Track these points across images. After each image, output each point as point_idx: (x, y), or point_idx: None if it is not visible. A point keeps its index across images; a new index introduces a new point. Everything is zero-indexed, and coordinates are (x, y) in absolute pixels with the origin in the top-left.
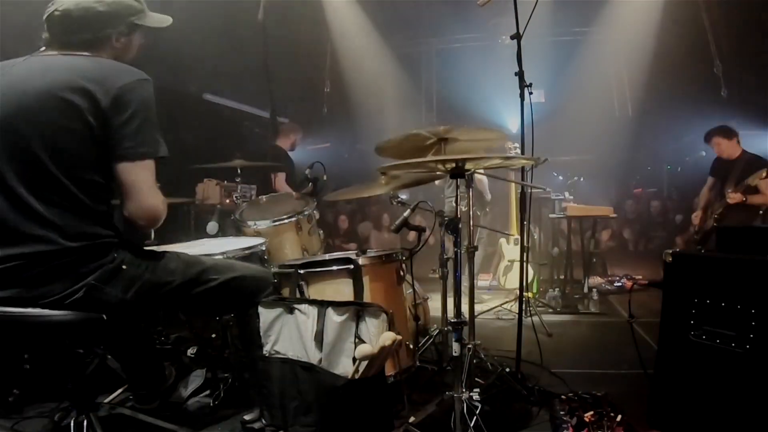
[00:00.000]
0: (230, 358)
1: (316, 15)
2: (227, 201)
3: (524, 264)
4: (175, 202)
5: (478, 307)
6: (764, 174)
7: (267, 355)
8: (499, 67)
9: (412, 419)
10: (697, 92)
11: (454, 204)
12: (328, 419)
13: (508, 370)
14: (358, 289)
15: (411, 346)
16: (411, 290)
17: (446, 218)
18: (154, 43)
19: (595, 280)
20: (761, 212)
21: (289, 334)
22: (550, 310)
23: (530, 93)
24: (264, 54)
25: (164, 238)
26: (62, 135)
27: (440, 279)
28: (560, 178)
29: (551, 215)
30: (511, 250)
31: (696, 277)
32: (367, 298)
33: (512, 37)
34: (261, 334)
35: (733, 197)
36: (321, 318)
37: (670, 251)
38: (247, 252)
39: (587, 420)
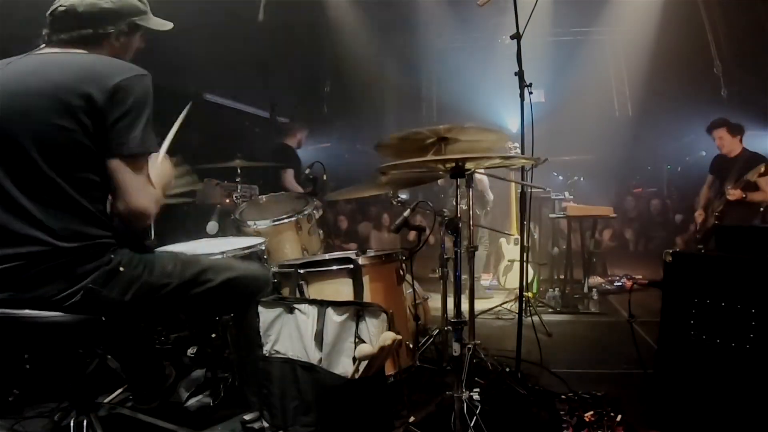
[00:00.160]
0: (230, 358)
1: (316, 15)
2: (227, 201)
3: (524, 264)
4: (175, 202)
5: (478, 307)
6: (762, 169)
7: (267, 355)
8: (499, 67)
9: (412, 419)
10: (697, 92)
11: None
12: (328, 419)
13: (508, 370)
14: (358, 289)
15: (411, 346)
16: (411, 290)
17: (446, 218)
18: (154, 43)
19: (595, 280)
20: (762, 209)
21: (289, 334)
22: (550, 310)
23: (530, 93)
24: (264, 54)
25: (164, 238)
26: (56, 134)
27: (440, 279)
28: (560, 178)
29: (551, 215)
30: (511, 249)
31: (696, 277)
32: (367, 297)
33: (512, 37)
34: (261, 333)
35: (733, 194)
36: (321, 318)
37: (670, 251)
38: (246, 252)
39: (587, 420)
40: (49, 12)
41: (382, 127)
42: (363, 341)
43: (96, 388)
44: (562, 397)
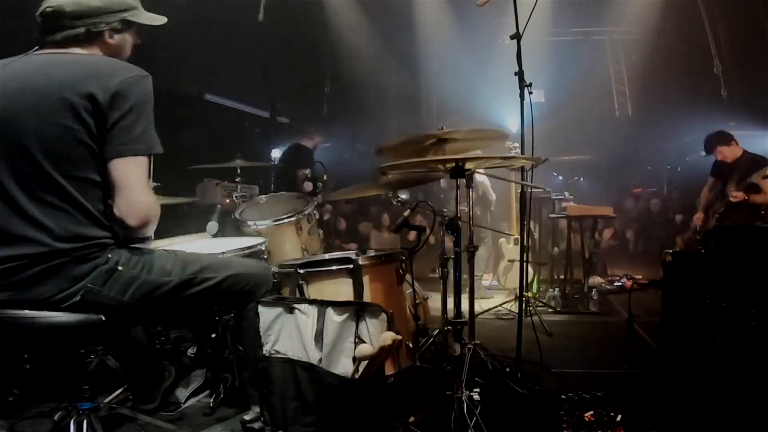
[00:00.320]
0: (230, 358)
1: (316, 15)
2: (227, 201)
3: (524, 264)
4: (175, 202)
5: (478, 307)
6: (767, 171)
7: (267, 354)
8: (499, 67)
9: (412, 419)
10: (697, 92)
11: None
12: (328, 419)
13: (508, 370)
14: (358, 288)
15: (411, 346)
16: (411, 290)
17: (446, 218)
18: (155, 43)
19: (595, 280)
20: (763, 212)
21: (289, 334)
22: (550, 310)
23: (530, 93)
24: (264, 54)
25: (164, 238)
26: (59, 134)
27: (440, 279)
28: (560, 178)
29: (551, 215)
30: (511, 249)
31: (696, 277)
32: (367, 297)
33: (512, 37)
34: (261, 333)
35: (736, 196)
36: (321, 318)
37: (670, 251)
38: (246, 252)
39: (587, 420)
40: (38, 13)
41: (382, 127)
42: (363, 341)
43: (96, 388)
44: (562, 397)
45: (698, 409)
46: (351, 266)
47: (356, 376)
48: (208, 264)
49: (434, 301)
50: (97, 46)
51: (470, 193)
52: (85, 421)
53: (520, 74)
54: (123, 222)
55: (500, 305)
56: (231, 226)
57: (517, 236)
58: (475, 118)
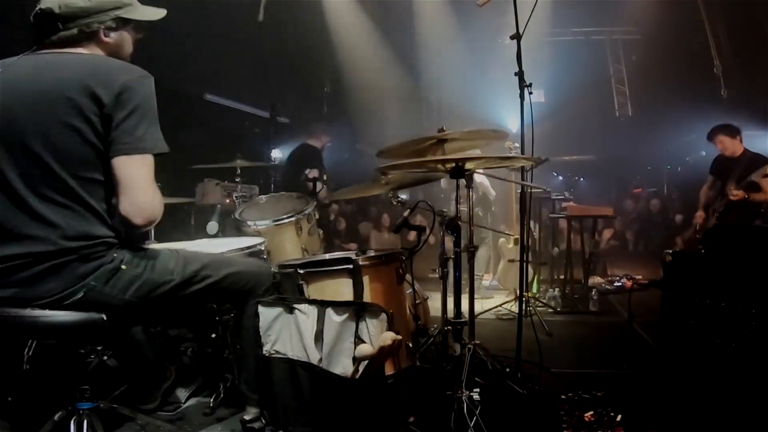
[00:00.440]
0: (230, 358)
1: (316, 15)
2: (227, 201)
3: (524, 264)
4: (175, 202)
5: (478, 307)
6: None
7: (267, 354)
8: (499, 67)
9: (412, 419)
10: (697, 92)
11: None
12: (327, 419)
13: (508, 370)
14: (358, 289)
15: (411, 346)
16: (411, 290)
17: (446, 218)
18: (155, 43)
19: (595, 280)
20: (763, 210)
21: (289, 334)
22: (550, 310)
23: (530, 93)
24: (264, 54)
25: (164, 238)
26: (65, 133)
27: (440, 279)
28: (560, 178)
29: (551, 215)
30: (511, 249)
31: (696, 277)
32: (367, 298)
33: (512, 37)
34: (261, 333)
35: (736, 194)
36: (321, 318)
37: (670, 251)
38: (246, 252)
39: (587, 420)
40: (32, 15)
41: (382, 127)
42: (363, 341)
43: (96, 388)
44: (562, 397)
45: (698, 409)
46: (351, 266)
47: (356, 376)
48: (209, 262)
49: (434, 301)
50: (96, 46)
51: (470, 193)
52: (85, 421)
53: (520, 74)
54: (128, 221)
55: (500, 305)
56: (231, 226)
57: (518, 236)
58: (475, 118)
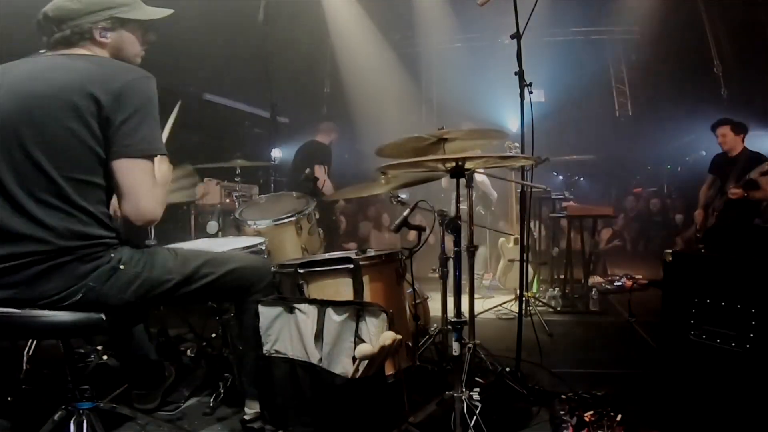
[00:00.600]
0: (230, 358)
1: (316, 15)
2: (227, 201)
3: (524, 264)
4: (175, 202)
5: (478, 307)
6: (766, 168)
7: (267, 354)
8: (499, 67)
9: (412, 419)
10: (697, 92)
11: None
12: (327, 419)
13: (508, 370)
14: (358, 288)
15: (411, 346)
16: (411, 290)
17: (446, 217)
18: (154, 42)
19: (595, 279)
20: (764, 205)
21: (289, 334)
22: (550, 310)
23: (530, 93)
24: (264, 54)
25: (164, 238)
26: (63, 137)
27: (440, 278)
28: (560, 177)
29: (551, 215)
30: (511, 249)
31: (696, 277)
32: (366, 297)
33: (512, 37)
34: (261, 333)
35: (735, 192)
36: (321, 317)
37: (670, 251)
38: (247, 251)
39: (587, 420)
40: (35, 22)
41: (382, 127)
42: (363, 341)
43: (96, 388)
44: (562, 397)
45: (698, 409)
46: (351, 266)
47: (356, 376)
48: (208, 260)
49: (434, 301)
50: (95, 47)
51: (470, 193)
52: (85, 421)
53: (520, 74)
54: (128, 222)
55: (500, 305)
56: (231, 225)
57: (518, 236)
58: (475, 118)
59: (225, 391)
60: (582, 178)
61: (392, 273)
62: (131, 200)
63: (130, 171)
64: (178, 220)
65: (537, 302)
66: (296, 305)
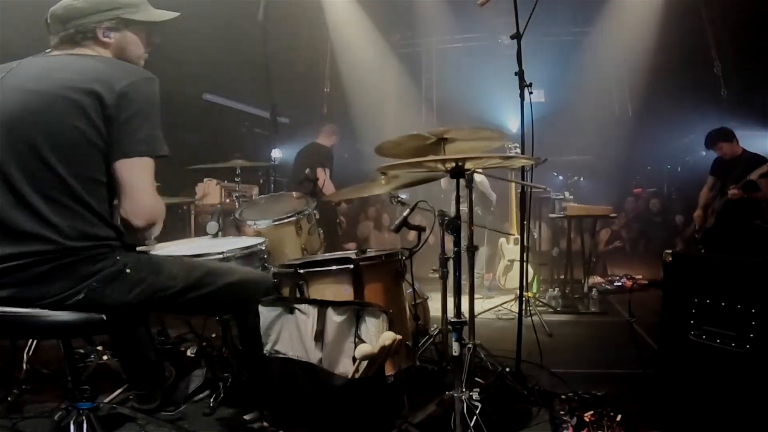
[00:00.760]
0: (230, 358)
1: (316, 15)
2: (227, 201)
3: (524, 264)
4: (175, 202)
5: (478, 307)
6: (765, 169)
7: (267, 354)
8: (499, 67)
9: (412, 419)
10: (697, 92)
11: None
12: (327, 419)
13: (508, 370)
14: (358, 289)
15: (411, 346)
16: (411, 290)
17: (446, 218)
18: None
19: (595, 280)
20: (762, 208)
21: (289, 334)
22: (550, 310)
23: (530, 93)
24: (264, 54)
25: (164, 238)
26: (68, 135)
27: (440, 279)
28: (560, 178)
29: (551, 215)
30: (511, 249)
31: (696, 277)
32: (366, 297)
33: (512, 37)
34: (261, 333)
35: (734, 193)
36: (321, 318)
37: (670, 251)
38: (246, 251)
39: (587, 420)
40: (44, 19)
41: (382, 127)
42: (363, 341)
43: (96, 388)
44: (562, 397)
45: (698, 409)
46: (351, 266)
47: (356, 376)
48: (212, 269)
49: (434, 302)
50: (99, 47)
51: (470, 193)
52: (85, 421)
53: (520, 74)
54: (129, 223)
55: (500, 305)
56: (231, 225)
57: (518, 236)
58: (475, 118)
59: (225, 392)
60: (582, 179)
61: (392, 273)
62: (131, 199)
63: (130, 171)
64: (178, 220)
65: (537, 302)
66: (296, 305)
